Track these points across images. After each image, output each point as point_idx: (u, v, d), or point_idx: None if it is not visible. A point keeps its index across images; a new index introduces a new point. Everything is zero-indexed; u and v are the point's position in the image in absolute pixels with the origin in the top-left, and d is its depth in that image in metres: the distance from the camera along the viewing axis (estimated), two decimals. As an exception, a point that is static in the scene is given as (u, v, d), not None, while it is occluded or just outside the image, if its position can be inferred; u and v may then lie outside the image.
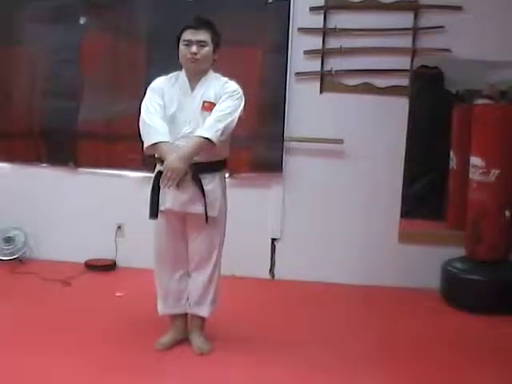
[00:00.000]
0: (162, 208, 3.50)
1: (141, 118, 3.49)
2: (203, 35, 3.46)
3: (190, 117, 3.47)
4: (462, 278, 4.77)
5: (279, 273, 5.33)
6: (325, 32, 5.03)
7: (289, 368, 3.55)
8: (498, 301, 4.63)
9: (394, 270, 5.16)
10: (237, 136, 5.11)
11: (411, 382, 3.51)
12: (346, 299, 4.92)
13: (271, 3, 5.00)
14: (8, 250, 5.31)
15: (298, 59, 5.08)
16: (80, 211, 5.32)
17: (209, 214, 3.49)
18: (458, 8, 4.88)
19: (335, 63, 5.07)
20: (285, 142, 5.13)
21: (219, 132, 3.38)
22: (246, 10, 5.00)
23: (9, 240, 5.32)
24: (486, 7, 4.87)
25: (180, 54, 3.49)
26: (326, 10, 5.01)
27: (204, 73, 3.54)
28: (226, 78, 3.60)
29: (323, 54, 5.06)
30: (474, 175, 4.78)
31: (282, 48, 5.03)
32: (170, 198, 3.48)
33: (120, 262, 5.31)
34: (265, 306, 4.64)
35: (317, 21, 5.02)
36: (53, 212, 5.38)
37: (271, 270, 5.34)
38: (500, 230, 4.78)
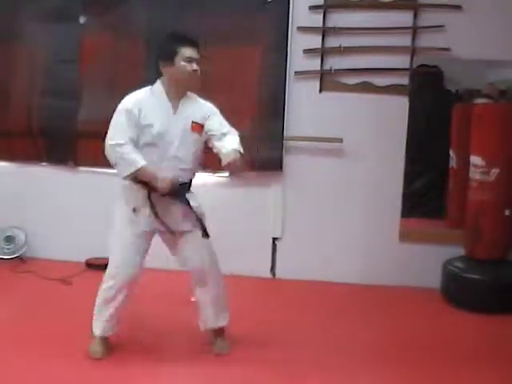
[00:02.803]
0: (146, 229, 3.48)
1: (111, 147, 3.37)
2: (196, 53, 3.43)
3: (176, 137, 3.41)
4: (462, 277, 4.76)
5: (280, 272, 5.34)
6: (324, 31, 5.04)
7: (289, 367, 3.55)
8: (498, 300, 4.63)
9: (395, 268, 5.16)
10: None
11: (411, 381, 3.51)
12: (346, 298, 4.92)
13: (271, 2, 5.00)
14: (8, 249, 5.32)
15: (298, 58, 5.09)
16: (80, 210, 5.33)
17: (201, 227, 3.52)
18: (458, 7, 4.88)
19: (335, 62, 5.07)
20: (284, 141, 5.14)
21: (241, 146, 3.44)
22: (245, 9, 5.01)
23: (9, 239, 5.33)
24: (486, 6, 4.87)
25: (179, 70, 3.39)
26: (325, 8, 5.02)
27: (186, 93, 3.50)
28: (203, 101, 3.58)
29: (323, 53, 5.06)
30: (474, 174, 4.78)
31: (281, 47, 5.04)
32: (155, 221, 3.45)
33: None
34: (265, 305, 4.64)
35: (316, 20, 5.03)
36: (53, 211, 5.38)
37: (272, 269, 5.35)
38: (500, 229, 4.78)
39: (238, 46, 5.01)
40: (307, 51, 5.06)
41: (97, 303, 3.56)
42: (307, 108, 5.12)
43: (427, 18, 4.95)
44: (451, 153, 5.50)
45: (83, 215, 5.32)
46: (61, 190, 5.38)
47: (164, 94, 3.44)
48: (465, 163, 4.98)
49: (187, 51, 3.39)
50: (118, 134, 3.36)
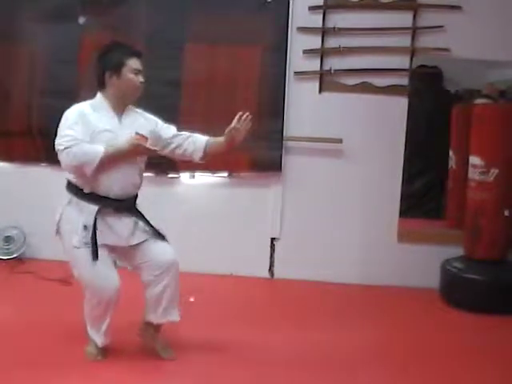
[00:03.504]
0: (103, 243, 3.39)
1: (67, 151, 3.22)
2: (140, 65, 3.39)
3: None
4: (461, 277, 4.77)
5: (278, 272, 5.33)
6: (324, 31, 5.04)
7: (288, 367, 3.55)
8: (497, 300, 4.64)
9: (393, 269, 5.16)
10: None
11: (410, 381, 3.51)
12: (344, 298, 4.92)
13: (270, 2, 5.00)
14: (7, 249, 5.31)
15: (297, 58, 5.09)
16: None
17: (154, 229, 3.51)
18: (457, 8, 4.89)
19: (334, 62, 5.07)
20: (284, 142, 5.14)
21: None
22: (245, 9, 5.01)
23: (8, 239, 5.32)
24: (485, 7, 4.88)
25: (127, 83, 3.33)
26: (325, 9, 5.02)
27: (128, 104, 3.46)
28: (141, 111, 3.53)
29: (322, 53, 5.06)
30: (473, 174, 4.79)
31: (281, 47, 5.04)
32: (111, 236, 3.40)
33: (118, 262, 5.29)
34: (264, 304, 4.64)
35: (316, 20, 5.03)
36: (52, 211, 5.34)
37: (270, 269, 5.35)
38: (499, 229, 4.78)
39: (237, 46, 5.01)
40: (307, 51, 5.06)
41: (89, 319, 3.51)
42: (307, 108, 5.13)
43: (427, 19, 4.96)
44: (450, 153, 5.52)
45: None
46: (60, 191, 5.34)
47: (107, 106, 3.37)
48: (464, 163, 4.99)
49: (134, 63, 3.35)
50: (69, 137, 3.24)
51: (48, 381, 3.27)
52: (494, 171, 4.68)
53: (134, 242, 3.45)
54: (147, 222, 3.49)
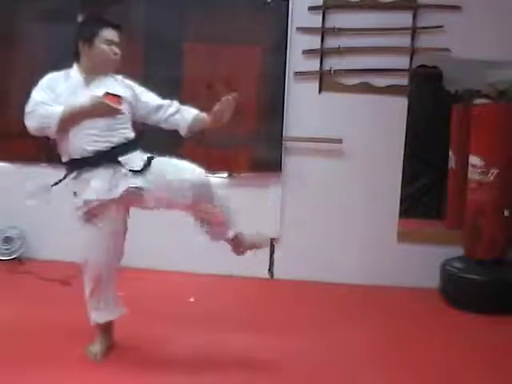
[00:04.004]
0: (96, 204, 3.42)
1: (29, 114, 3.29)
2: (118, 36, 3.38)
3: None
4: (461, 278, 4.77)
5: (278, 272, 5.33)
6: (323, 31, 5.04)
7: (287, 368, 3.55)
8: (497, 300, 4.64)
9: (393, 269, 5.16)
10: (236, 135, 5.14)
11: (410, 381, 3.51)
12: (344, 299, 4.92)
13: (270, 3, 5.00)
14: (7, 249, 5.31)
15: (297, 59, 5.09)
16: (79, 211, 5.31)
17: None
18: (457, 8, 4.89)
19: (334, 63, 5.07)
20: (284, 142, 5.13)
21: None
22: (245, 9, 5.01)
23: (8, 240, 5.32)
24: (485, 7, 4.88)
25: (98, 53, 3.34)
26: (324, 9, 5.02)
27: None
28: (117, 76, 3.50)
29: (322, 53, 5.06)
30: (473, 175, 4.79)
31: (280, 47, 5.04)
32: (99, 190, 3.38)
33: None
34: (263, 305, 4.64)
35: (315, 20, 5.03)
36: (52, 211, 5.35)
37: (270, 270, 5.35)
38: (499, 230, 4.79)
39: (237, 46, 5.01)
40: (307, 52, 5.06)
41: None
42: (306, 108, 5.12)
43: (426, 19, 4.96)
44: (450, 153, 5.51)
45: (82, 215, 5.31)
46: (60, 191, 5.35)
47: (79, 77, 3.37)
48: (464, 163, 4.99)
49: (108, 34, 3.33)
50: (33, 101, 3.29)
51: (48, 381, 3.28)
52: (494, 171, 4.69)
53: (120, 190, 3.33)
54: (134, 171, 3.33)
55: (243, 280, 5.05)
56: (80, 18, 5.11)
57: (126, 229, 3.57)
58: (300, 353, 3.77)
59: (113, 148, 3.34)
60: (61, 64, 5.14)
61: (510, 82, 5.13)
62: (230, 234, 3.59)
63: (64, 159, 3.41)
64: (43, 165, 5.36)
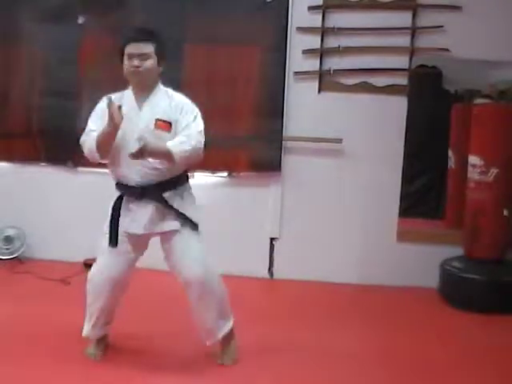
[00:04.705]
0: (123, 232, 3.41)
1: (83, 143, 3.36)
2: (146, 48, 3.25)
3: (139, 135, 3.22)
4: (460, 277, 4.77)
5: (278, 272, 5.33)
6: (323, 31, 5.04)
7: (286, 367, 3.55)
8: (496, 300, 4.63)
9: (392, 269, 5.16)
10: (236, 135, 5.14)
11: (409, 380, 3.51)
12: (344, 298, 4.92)
13: (270, 2, 5.00)
14: (7, 249, 5.31)
15: (297, 58, 5.09)
16: (79, 210, 5.32)
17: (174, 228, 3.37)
18: (457, 8, 4.89)
19: (334, 62, 5.07)
20: (283, 142, 5.14)
21: (186, 154, 3.23)
22: (245, 9, 5.01)
23: (8, 239, 5.32)
24: (485, 7, 4.88)
25: (124, 69, 3.30)
26: (324, 9, 5.02)
27: (151, 88, 3.34)
28: (178, 95, 3.39)
29: (322, 53, 5.06)
30: (473, 174, 4.79)
31: (280, 47, 5.04)
32: (130, 223, 3.38)
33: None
34: (263, 305, 4.64)
35: (315, 20, 5.03)
36: (52, 211, 5.38)
37: (270, 270, 5.35)
38: (498, 229, 4.79)
39: (237, 46, 5.01)
40: (306, 51, 5.06)
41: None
42: (306, 108, 5.12)
43: (426, 19, 4.95)
44: (450, 153, 5.52)
45: (82, 216, 5.31)
46: (60, 191, 5.37)
47: (131, 94, 3.36)
48: (463, 163, 4.99)
49: (129, 48, 3.28)
50: (87, 128, 3.36)
51: (47, 380, 3.28)
52: (494, 171, 4.69)
53: (156, 230, 3.37)
54: (177, 212, 3.35)
55: (243, 279, 5.05)
56: (81, 20, 5.13)
57: (137, 258, 3.55)
58: (299, 352, 3.77)
59: (157, 184, 3.33)
60: (61, 64, 5.22)
61: (510, 82, 5.14)
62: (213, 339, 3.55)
63: (113, 180, 3.44)
64: (43, 165, 5.38)
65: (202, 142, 3.31)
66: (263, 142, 5.11)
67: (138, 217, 3.36)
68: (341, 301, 4.86)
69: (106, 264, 3.44)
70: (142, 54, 3.25)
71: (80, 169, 5.33)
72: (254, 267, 5.26)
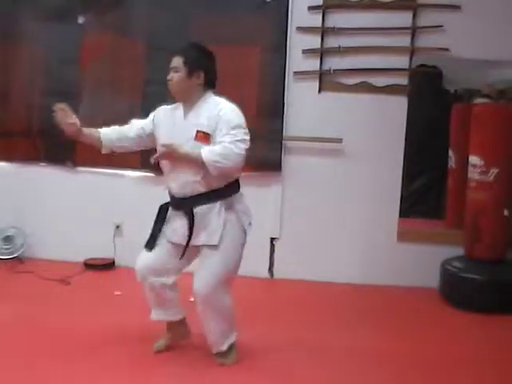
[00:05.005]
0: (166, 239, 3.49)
1: None
2: (175, 62, 3.34)
3: (162, 143, 3.31)
4: (461, 277, 4.77)
5: (278, 272, 5.33)
6: (323, 31, 5.04)
7: (287, 367, 3.55)
8: (497, 300, 4.63)
9: (393, 268, 5.16)
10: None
11: (409, 380, 3.51)
12: (344, 298, 4.92)
13: (270, 2, 5.00)
14: (7, 249, 5.31)
15: (297, 58, 5.09)
16: (78, 210, 5.33)
17: (208, 242, 3.39)
18: (457, 7, 4.89)
19: (334, 62, 5.07)
20: (284, 141, 5.13)
21: (216, 161, 3.21)
22: (244, 9, 5.01)
23: (8, 239, 5.32)
24: (485, 7, 4.88)
25: None
26: (324, 9, 5.02)
27: (194, 99, 3.37)
28: (224, 105, 3.37)
29: (322, 53, 5.06)
30: (473, 174, 4.79)
31: (280, 47, 5.04)
32: (172, 232, 3.46)
33: (119, 261, 5.32)
34: (263, 304, 4.64)
35: (315, 20, 5.03)
36: (52, 211, 5.38)
37: (270, 269, 5.35)
38: (498, 229, 4.79)
39: (237, 45, 5.01)
40: (306, 51, 5.06)
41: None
42: (306, 108, 5.12)
43: (426, 18, 4.96)
44: (450, 153, 5.51)
45: (81, 215, 5.32)
46: (59, 191, 5.37)
47: (181, 108, 3.43)
48: (464, 163, 4.99)
49: (171, 63, 3.37)
50: None
51: (47, 380, 3.28)
52: (494, 171, 4.69)
53: (194, 243, 3.40)
54: (205, 228, 3.37)
55: (243, 279, 5.03)
56: (81, 20, 5.13)
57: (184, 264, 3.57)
58: (300, 352, 3.77)
59: (192, 197, 3.36)
60: (62, 64, 5.21)
61: (509, 81, 5.13)
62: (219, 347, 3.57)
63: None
64: (43, 164, 5.38)
65: (240, 153, 3.29)
66: (263, 142, 5.09)
67: (177, 227, 3.43)
68: (341, 301, 4.86)
69: (146, 255, 3.53)
70: (173, 67, 3.36)
71: (80, 169, 5.33)
72: (254, 267, 5.25)
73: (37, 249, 5.39)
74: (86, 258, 5.28)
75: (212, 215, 3.37)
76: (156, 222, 3.51)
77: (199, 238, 3.39)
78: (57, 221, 5.37)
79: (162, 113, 3.51)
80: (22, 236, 5.34)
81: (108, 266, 5.28)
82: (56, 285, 4.80)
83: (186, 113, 3.39)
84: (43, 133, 5.25)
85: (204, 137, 3.30)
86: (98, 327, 3.95)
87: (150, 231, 3.52)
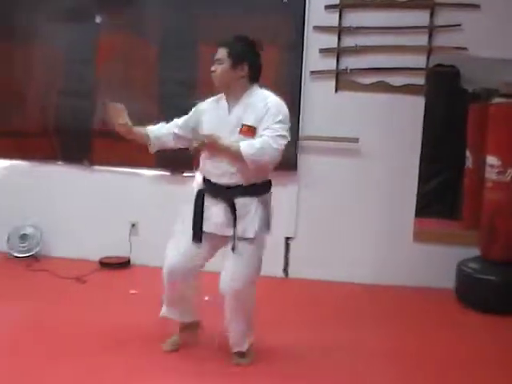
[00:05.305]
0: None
1: None
2: (219, 53, 3.33)
3: (194, 137, 3.37)
4: (477, 278, 4.73)
5: (293, 271, 5.33)
6: (340, 30, 5.02)
7: (301, 367, 3.55)
8: (513, 301, 4.61)
9: (409, 269, 5.15)
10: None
11: (425, 381, 3.51)
12: (359, 298, 4.91)
13: (287, 2, 4.99)
14: (24, 247, 5.34)
15: (314, 57, 5.08)
16: (94, 209, 5.35)
17: (244, 235, 3.36)
18: (475, 6, 4.86)
19: (350, 62, 5.06)
20: (300, 141, 5.12)
21: (254, 154, 3.23)
22: (261, 8, 5.00)
23: (24, 237, 5.35)
24: (504, 5, 4.85)
25: None
26: (341, 8, 5.00)
27: (239, 91, 3.37)
28: (272, 98, 3.40)
29: (338, 52, 5.05)
30: (490, 174, 4.75)
31: (297, 46, 5.04)
32: (204, 220, 3.41)
33: (134, 260, 5.33)
34: (278, 304, 4.63)
35: (332, 19, 5.02)
36: (68, 210, 5.40)
37: (285, 269, 5.34)
38: (515, 230, 4.75)
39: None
40: (323, 51, 5.05)
41: None
42: (323, 107, 5.11)
43: (444, 17, 4.93)
44: (467, 153, 5.46)
45: (97, 214, 5.34)
46: (75, 189, 5.39)
47: (224, 97, 3.43)
48: (481, 163, 4.95)
49: (215, 55, 3.37)
50: None
51: (62, 378, 3.29)
52: (511, 171, 4.65)
53: (226, 233, 3.38)
54: (243, 220, 3.35)
55: (258, 278, 5.04)
56: (98, 19, 5.15)
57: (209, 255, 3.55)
58: (314, 351, 3.77)
59: (232, 187, 3.36)
60: (78, 64, 5.23)
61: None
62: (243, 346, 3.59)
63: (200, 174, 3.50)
64: (59, 163, 5.40)
65: (278, 148, 3.33)
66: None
67: (212, 215, 3.39)
68: (356, 301, 4.85)
69: (173, 253, 3.47)
70: (217, 59, 3.34)
71: (96, 167, 5.35)
72: (269, 266, 5.18)
73: (53, 247, 5.43)
74: (101, 257, 5.30)
75: (250, 208, 3.36)
76: (196, 212, 3.41)
77: (230, 229, 3.36)
78: (73, 219, 5.39)
79: (206, 104, 3.50)
80: (39, 234, 5.37)
81: (123, 264, 5.30)
82: (71, 283, 4.83)
83: (230, 106, 3.38)
84: (60, 132, 5.28)
85: (249, 130, 3.30)
86: (113, 326, 3.97)
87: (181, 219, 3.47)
